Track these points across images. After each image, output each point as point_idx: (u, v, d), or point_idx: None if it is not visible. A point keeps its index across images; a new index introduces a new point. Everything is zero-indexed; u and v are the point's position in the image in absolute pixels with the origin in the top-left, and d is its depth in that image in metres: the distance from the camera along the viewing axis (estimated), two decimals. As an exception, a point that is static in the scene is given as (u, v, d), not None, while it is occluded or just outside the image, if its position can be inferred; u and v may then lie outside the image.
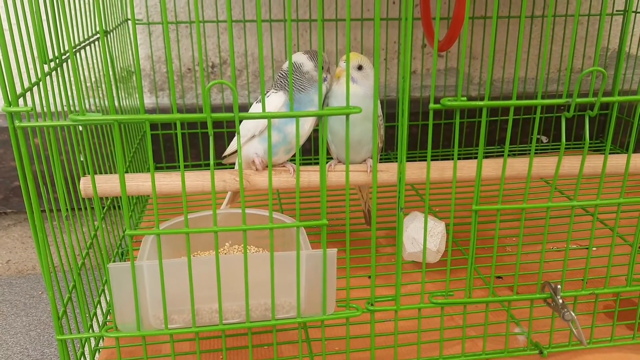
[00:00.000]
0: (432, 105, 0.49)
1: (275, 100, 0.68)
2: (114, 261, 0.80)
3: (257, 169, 0.67)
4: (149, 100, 1.14)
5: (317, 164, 1.16)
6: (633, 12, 1.16)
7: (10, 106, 0.45)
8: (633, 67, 1.24)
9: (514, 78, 1.25)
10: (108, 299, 0.71)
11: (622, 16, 1.21)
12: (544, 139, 1.27)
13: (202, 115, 0.46)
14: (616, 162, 0.67)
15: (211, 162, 0.47)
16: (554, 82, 1.29)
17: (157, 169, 1.11)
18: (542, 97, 1.23)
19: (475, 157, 1.20)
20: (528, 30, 1.20)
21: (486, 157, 1.22)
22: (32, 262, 1.09)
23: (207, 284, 0.51)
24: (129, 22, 1.01)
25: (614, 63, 1.27)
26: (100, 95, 0.82)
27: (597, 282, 0.74)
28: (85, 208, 0.67)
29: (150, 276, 0.51)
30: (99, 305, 0.68)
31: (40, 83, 0.55)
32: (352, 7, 1.12)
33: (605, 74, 0.47)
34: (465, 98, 0.49)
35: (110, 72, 0.81)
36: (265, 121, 0.66)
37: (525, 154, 1.23)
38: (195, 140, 1.13)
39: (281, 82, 0.69)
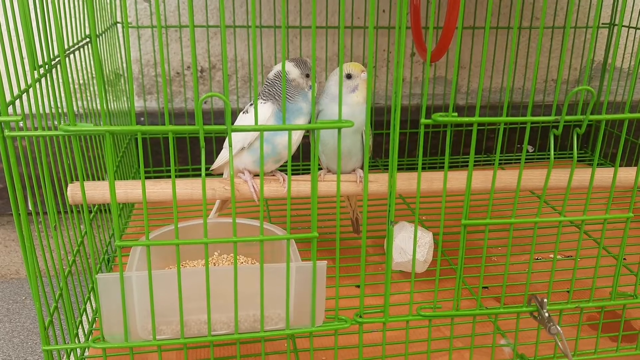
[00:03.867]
0: (423, 121, 0.49)
1: (264, 112, 0.67)
2: (100, 268, 0.79)
3: (245, 180, 0.67)
4: (137, 104, 1.13)
5: (305, 171, 1.16)
6: (624, 26, 1.18)
7: (0, 115, 0.44)
8: (617, 79, 1.26)
9: (504, 90, 1.26)
10: (94, 306, 0.70)
11: (607, 29, 1.23)
12: (530, 148, 1.29)
13: (194, 127, 0.46)
14: (602, 175, 0.68)
15: (202, 174, 0.47)
16: (539, 93, 1.31)
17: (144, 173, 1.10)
18: (521, 106, 1.25)
19: (462, 166, 1.21)
20: (511, 40, 1.22)
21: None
22: (16, 266, 1.08)
23: (196, 295, 0.51)
24: (118, 25, 1.00)
25: (598, 75, 1.29)
26: (88, 97, 0.81)
27: (581, 293, 0.75)
28: (72, 211, 0.67)
29: (139, 287, 0.51)
30: (84, 314, 0.67)
31: (31, 89, 0.54)
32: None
33: (594, 93, 0.48)
34: (456, 114, 0.49)
35: (97, 81, 0.80)
36: (254, 133, 0.65)
37: (510, 163, 1.24)
38: (183, 144, 1.13)
39: (268, 90, 0.68)
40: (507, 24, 1.19)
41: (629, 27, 1.18)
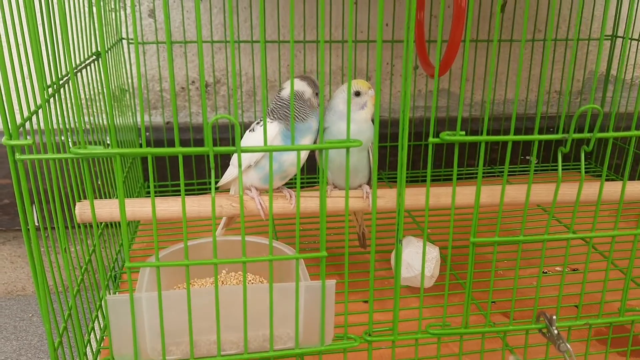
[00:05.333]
0: (431, 140, 0.49)
1: (270, 130, 0.67)
2: (107, 285, 0.79)
3: (252, 197, 0.67)
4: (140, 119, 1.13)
5: (309, 184, 1.16)
6: (631, 39, 1.18)
7: (10, 139, 0.45)
8: (620, 91, 1.27)
9: (508, 102, 1.26)
10: (102, 324, 0.70)
11: (609, 41, 1.23)
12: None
13: (204, 149, 0.46)
14: (609, 189, 0.68)
15: (212, 194, 0.47)
16: (543, 104, 1.31)
17: (148, 188, 1.10)
18: (525, 118, 1.25)
19: (466, 178, 1.21)
20: (516, 53, 1.22)
21: (475, 177, 1.23)
22: (22, 283, 1.08)
23: (206, 315, 0.51)
24: (124, 41, 1.01)
25: (600, 86, 1.30)
26: (95, 113, 0.81)
27: (589, 307, 0.75)
28: (79, 227, 0.67)
29: (148, 308, 0.51)
30: (92, 332, 0.67)
31: (40, 110, 0.55)
32: (345, 29, 1.13)
33: (601, 111, 0.48)
34: (464, 133, 0.49)
35: (107, 102, 0.81)
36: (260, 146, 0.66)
37: (514, 174, 1.24)
38: (188, 159, 1.13)
39: (278, 110, 0.68)
40: (509, 37, 1.20)
41: (631, 39, 1.18)
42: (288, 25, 1.11)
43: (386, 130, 1.18)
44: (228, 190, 0.77)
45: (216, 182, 0.78)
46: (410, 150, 1.20)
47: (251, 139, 0.70)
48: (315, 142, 0.69)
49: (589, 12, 1.21)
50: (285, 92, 0.69)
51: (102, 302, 0.58)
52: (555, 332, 0.56)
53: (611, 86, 1.28)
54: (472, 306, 0.77)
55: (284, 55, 1.13)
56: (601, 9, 1.22)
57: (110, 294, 0.77)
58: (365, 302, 0.76)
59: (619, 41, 1.22)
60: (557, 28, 1.20)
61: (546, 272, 0.87)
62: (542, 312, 0.58)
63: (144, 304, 0.51)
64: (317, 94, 0.68)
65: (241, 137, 0.78)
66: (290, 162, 0.67)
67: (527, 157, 1.29)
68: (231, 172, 0.73)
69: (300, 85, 0.68)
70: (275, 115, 0.68)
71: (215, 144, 1.10)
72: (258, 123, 0.70)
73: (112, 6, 0.94)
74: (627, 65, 1.26)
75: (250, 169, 0.68)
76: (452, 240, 0.94)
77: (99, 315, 0.71)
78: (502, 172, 1.24)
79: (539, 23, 1.20)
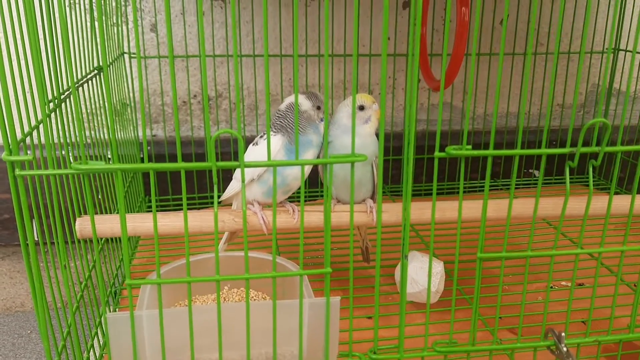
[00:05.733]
0: (437, 154, 0.49)
1: (273, 144, 0.67)
2: (107, 301, 0.78)
3: (255, 212, 0.66)
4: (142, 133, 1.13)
5: (311, 198, 1.16)
6: (629, 51, 1.18)
7: (10, 154, 0.44)
8: (624, 104, 1.26)
9: (510, 115, 1.25)
10: (102, 341, 0.69)
11: (612, 54, 1.23)
12: (537, 173, 1.28)
13: (207, 164, 0.45)
14: (618, 203, 0.67)
15: (215, 210, 0.47)
16: (544, 117, 1.31)
17: (149, 202, 1.10)
18: (528, 131, 1.25)
19: (469, 191, 1.20)
20: (519, 66, 1.22)
21: (478, 191, 1.22)
22: (21, 299, 1.07)
23: (207, 332, 0.50)
24: (125, 55, 1.01)
25: (604, 100, 1.29)
26: (96, 127, 0.81)
27: (597, 322, 0.73)
28: (79, 241, 0.66)
29: (149, 326, 0.50)
30: (92, 349, 0.66)
31: (41, 125, 0.54)
32: (347, 42, 1.13)
33: (609, 125, 0.48)
34: (470, 147, 0.49)
35: (108, 117, 0.80)
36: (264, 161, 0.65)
37: (518, 187, 1.24)
38: (190, 173, 1.12)
39: (280, 122, 0.68)
40: (510, 50, 1.19)
41: (633, 52, 1.18)
42: (290, 39, 1.11)
43: (388, 144, 1.18)
44: (230, 205, 0.77)
45: (218, 197, 0.78)
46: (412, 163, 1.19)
47: (255, 152, 0.69)
48: (318, 156, 0.68)
49: (590, 25, 1.21)
50: (283, 105, 0.70)
51: (102, 319, 0.57)
52: (565, 349, 0.54)
53: (613, 99, 1.27)
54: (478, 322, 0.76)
55: (286, 69, 1.13)
56: (602, 22, 1.22)
57: (110, 310, 0.76)
58: (369, 318, 0.75)
59: (620, 54, 1.21)
60: (558, 42, 1.20)
61: (552, 287, 0.86)
62: (550, 329, 0.57)
63: (145, 322, 0.50)
64: (318, 108, 0.68)
65: (244, 152, 0.78)
66: (294, 176, 0.66)
67: (530, 171, 1.28)
68: (234, 187, 0.72)
69: (299, 99, 0.68)
70: (277, 129, 0.68)
71: (216, 159, 1.10)
72: (262, 137, 0.69)
73: (115, 21, 0.94)
74: (630, 78, 1.26)
75: (253, 182, 0.67)
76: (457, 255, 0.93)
77: (99, 333, 0.70)
78: (505, 185, 1.23)
79: (541, 36, 1.20)
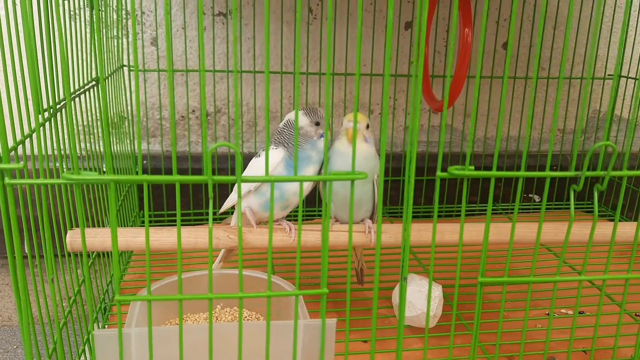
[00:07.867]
0: (439, 174, 0.48)
1: (273, 157, 0.67)
2: (96, 318, 0.76)
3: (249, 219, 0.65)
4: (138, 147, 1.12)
5: (308, 216, 1.14)
6: (630, 77, 1.18)
7: (1, 162, 0.43)
8: (625, 130, 1.26)
9: (511, 139, 1.25)
10: (89, 359, 0.67)
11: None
12: (537, 198, 1.27)
13: (203, 178, 0.44)
14: (620, 230, 0.66)
15: (210, 225, 0.45)
16: (545, 142, 1.30)
17: (144, 217, 1.08)
18: (528, 155, 1.24)
19: (468, 214, 1.19)
20: (519, 91, 1.22)
21: (477, 214, 1.21)
22: (8, 312, 1.04)
23: (198, 353, 0.48)
24: (124, 68, 1.00)
25: (603, 125, 1.29)
26: (91, 140, 0.80)
27: (600, 352, 0.72)
28: (69, 255, 0.64)
29: (137, 344, 0.48)
30: (78, 367, 0.64)
31: (34, 134, 0.53)
32: (349, 62, 1.13)
33: (615, 149, 0.46)
34: (472, 167, 0.47)
35: (104, 128, 0.79)
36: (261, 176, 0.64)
37: (519, 212, 1.22)
38: (185, 188, 1.11)
39: (279, 138, 0.69)
40: (512, 74, 1.19)
41: (635, 78, 1.18)
42: (291, 56, 1.10)
43: (387, 165, 1.17)
44: (225, 217, 0.75)
45: (214, 213, 0.76)
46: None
47: (256, 164, 0.70)
48: (319, 173, 0.68)
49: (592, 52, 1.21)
50: (282, 122, 0.70)
51: (90, 336, 0.55)
52: (567, 379, 0.53)
53: (614, 125, 1.27)
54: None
55: (286, 86, 1.12)
56: (604, 47, 1.22)
57: (99, 327, 0.74)
58: (365, 341, 0.73)
59: (621, 81, 1.21)
60: (561, 67, 1.19)
61: (554, 315, 0.84)
62: (551, 357, 0.55)
63: (133, 340, 0.48)
64: (317, 123, 0.67)
65: (242, 169, 0.77)
66: (293, 191, 0.66)
67: (530, 195, 1.27)
68: (232, 199, 0.71)
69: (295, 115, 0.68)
70: (277, 144, 0.68)
71: (214, 174, 1.08)
72: (264, 150, 0.69)
73: (115, 33, 0.93)
74: (631, 104, 1.26)
75: (250, 194, 0.66)
76: (454, 280, 0.92)
77: (86, 350, 0.68)
78: (505, 209, 1.22)
79: (542, 61, 1.20)
